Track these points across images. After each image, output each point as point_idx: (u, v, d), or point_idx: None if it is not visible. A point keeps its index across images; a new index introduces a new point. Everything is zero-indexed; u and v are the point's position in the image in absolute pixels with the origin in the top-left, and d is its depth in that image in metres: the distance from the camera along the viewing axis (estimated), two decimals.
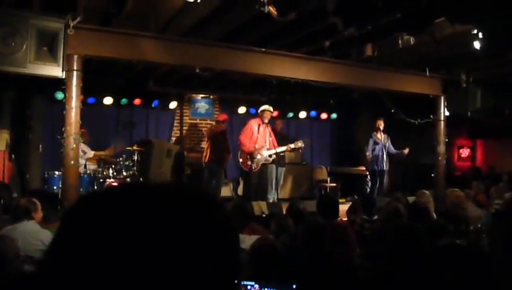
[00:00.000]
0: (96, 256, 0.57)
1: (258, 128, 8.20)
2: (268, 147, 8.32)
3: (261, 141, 8.28)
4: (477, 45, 5.68)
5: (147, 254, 0.57)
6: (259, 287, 2.52)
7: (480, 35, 5.41)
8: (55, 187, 7.33)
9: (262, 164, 8.49)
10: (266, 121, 8.33)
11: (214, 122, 10.36)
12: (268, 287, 2.52)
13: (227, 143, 9.00)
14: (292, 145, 8.73)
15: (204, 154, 8.80)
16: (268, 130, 8.38)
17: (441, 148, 8.55)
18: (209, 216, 0.63)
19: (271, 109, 8.38)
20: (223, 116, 9.25)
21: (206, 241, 0.60)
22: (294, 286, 2.47)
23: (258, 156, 8.25)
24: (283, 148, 8.70)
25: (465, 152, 12.85)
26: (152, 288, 0.56)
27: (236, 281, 0.65)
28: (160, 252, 0.57)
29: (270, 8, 4.51)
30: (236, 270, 0.65)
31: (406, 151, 9.34)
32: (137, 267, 0.56)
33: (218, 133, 8.86)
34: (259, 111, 8.51)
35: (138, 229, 0.57)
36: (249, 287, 2.52)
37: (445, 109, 8.54)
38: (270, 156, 8.36)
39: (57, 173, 7.28)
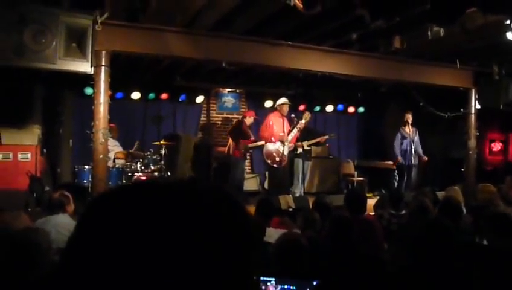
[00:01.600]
0: (107, 255, 0.57)
1: (280, 122, 8.32)
2: (287, 137, 8.40)
3: (280, 131, 8.35)
4: (510, 35, 5.51)
5: (159, 253, 0.56)
6: (279, 282, 2.51)
7: None
8: (85, 181, 7.49)
9: (290, 157, 8.53)
10: (285, 114, 8.40)
11: (240, 117, 10.41)
12: (287, 283, 2.51)
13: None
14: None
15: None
16: (286, 122, 8.47)
17: (472, 142, 8.35)
18: (223, 215, 0.63)
19: (288, 101, 8.46)
20: (249, 113, 9.27)
21: (219, 239, 0.60)
22: (314, 283, 2.45)
23: (282, 149, 8.29)
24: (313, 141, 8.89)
25: (496, 146, 12.51)
26: (164, 287, 0.56)
27: (254, 278, 0.65)
28: (172, 252, 0.57)
29: (296, 1, 4.47)
30: (253, 267, 0.64)
31: (426, 159, 9.22)
32: (148, 267, 0.56)
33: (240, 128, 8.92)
34: (277, 105, 8.53)
35: (149, 229, 0.57)
36: (268, 283, 2.51)
37: (476, 102, 8.32)
38: (292, 142, 8.47)
39: (86, 167, 7.43)
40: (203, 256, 0.58)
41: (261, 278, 2.48)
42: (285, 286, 2.50)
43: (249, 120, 8.91)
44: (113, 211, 0.61)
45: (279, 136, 8.26)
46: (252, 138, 8.98)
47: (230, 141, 8.84)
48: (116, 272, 0.56)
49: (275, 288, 2.50)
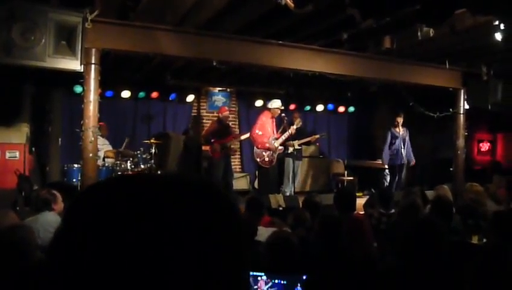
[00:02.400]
0: (94, 249, 0.56)
1: (270, 123, 8.41)
2: (275, 136, 8.48)
3: (270, 132, 8.45)
4: (498, 36, 5.56)
5: (147, 247, 0.55)
6: (269, 278, 2.53)
7: (502, 26, 5.29)
8: (74, 179, 7.44)
9: (279, 157, 8.59)
10: (276, 116, 8.51)
11: (230, 116, 10.42)
12: (278, 278, 2.53)
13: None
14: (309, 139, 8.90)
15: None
16: (274, 124, 8.64)
17: (460, 142, 8.42)
18: (212, 207, 0.62)
19: (281, 106, 8.63)
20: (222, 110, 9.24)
21: (208, 232, 0.59)
22: (304, 277, 2.47)
23: (272, 148, 8.39)
24: (303, 140, 8.98)
25: (485, 146, 12.65)
26: (154, 285, 0.55)
27: (244, 273, 0.64)
28: (161, 246, 0.56)
29: (287, 0, 4.48)
30: (243, 262, 0.63)
31: (413, 163, 9.27)
32: (136, 262, 0.55)
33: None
34: (271, 107, 8.57)
35: (135, 222, 0.56)
36: (258, 278, 2.52)
37: (465, 102, 8.40)
38: (281, 144, 8.57)
39: (76, 165, 7.38)
40: (193, 248, 0.57)
41: (252, 273, 2.49)
42: (276, 281, 2.51)
43: (225, 117, 8.89)
44: (101, 203, 0.60)
45: (269, 145, 8.36)
46: (233, 134, 9.05)
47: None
48: (103, 266, 0.55)
49: (266, 283, 2.52)
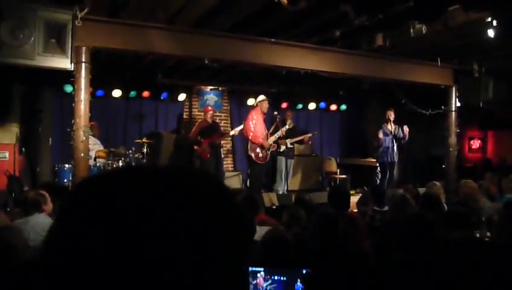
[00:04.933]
0: (91, 243, 0.53)
1: (261, 119, 8.39)
2: (267, 133, 8.51)
3: (262, 130, 8.44)
4: (491, 33, 5.58)
5: (148, 237, 0.53)
6: (268, 274, 2.50)
7: (495, 23, 5.30)
8: (65, 180, 7.36)
9: (272, 155, 8.60)
10: (265, 110, 8.48)
11: (222, 114, 10.38)
12: (277, 273, 2.50)
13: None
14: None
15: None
16: (264, 118, 8.64)
17: (452, 139, 8.45)
18: (215, 198, 0.60)
19: (267, 98, 8.59)
20: (206, 109, 9.24)
21: (209, 224, 0.57)
22: (304, 271, 2.44)
23: (266, 145, 8.39)
24: (296, 139, 8.99)
25: (476, 143, 12.73)
26: (154, 276, 0.52)
27: (246, 268, 0.62)
28: (164, 236, 0.53)
29: None
30: (245, 255, 0.61)
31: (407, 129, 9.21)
32: (138, 253, 0.53)
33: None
34: (257, 102, 8.58)
35: (139, 212, 0.54)
36: (257, 274, 2.50)
37: (457, 99, 8.43)
38: (274, 142, 8.57)
39: (67, 165, 7.31)
40: (194, 240, 0.55)
41: (251, 268, 2.46)
42: (276, 278, 2.49)
43: (209, 115, 8.89)
44: (98, 194, 0.57)
45: (261, 141, 8.35)
46: (219, 132, 9.03)
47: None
48: (101, 259, 0.52)
49: (265, 280, 2.49)
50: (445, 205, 5.70)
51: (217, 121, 9.75)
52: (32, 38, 5.00)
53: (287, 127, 8.73)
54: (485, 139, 12.72)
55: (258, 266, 2.52)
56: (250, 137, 8.33)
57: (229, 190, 0.64)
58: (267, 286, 2.49)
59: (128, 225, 0.53)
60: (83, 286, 0.53)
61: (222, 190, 0.63)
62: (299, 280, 2.46)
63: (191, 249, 0.54)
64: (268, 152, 8.51)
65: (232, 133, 9.09)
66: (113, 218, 0.54)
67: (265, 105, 8.53)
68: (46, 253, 0.56)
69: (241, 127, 8.72)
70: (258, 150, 8.33)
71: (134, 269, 0.52)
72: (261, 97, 8.58)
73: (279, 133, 8.66)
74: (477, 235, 4.41)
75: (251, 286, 2.49)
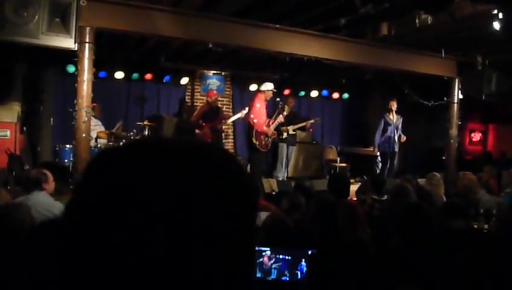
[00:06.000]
0: (111, 212, 0.55)
1: (264, 106, 8.42)
2: (269, 121, 8.51)
3: (264, 118, 8.45)
4: (496, 25, 5.55)
5: (165, 209, 0.55)
6: (273, 253, 2.54)
7: (501, 15, 5.28)
8: (66, 160, 7.37)
9: (274, 142, 8.62)
10: (268, 99, 8.49)
11: (224, 99, 10.37)
12: (282, 253, 2.54)
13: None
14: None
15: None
16: (266, 105, 8.65)
17: (453, 131, 8.46)
18: (232, 173, 0.61)
19: (274, 88, 8.58)
20: (211, 94, 9.22)
21: (228, 197, 0.58)
22: (309, 251, 2.48)
23: (268, 133, 8.42)
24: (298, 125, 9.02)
25: (476, 136, 12.73)
26: (168, 248, 0.54)
27: (254, 246, 0.64)
28: (180, 209, 0.55)
29: None
30: (255, 232, 0.63)
31: (404, 138, 9.26)
32: (154, 224, 0.54)
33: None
34: (266, 89, 8.52)
35: (156, 184, 0.56)
36: (263, 253, 2.53)
37: (459, 91, 8.42)
38: (276, 129, 8.59)
39: (68, 146, 7.31)
40: (210, 214, 0.56)
41: (257, 248, 2.50)
42: (281, 257, 2.53)
43: (213, 100, 8.89)
44: (120, 164, 0.59)
45: (266, 129, 8.37)
46: (223, 117, 9.06)
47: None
48: (121, 226, 0.54)
49: (270, 259, 2.53)
50: (444, 196, 5.74)
51: (219, 105, 9.74)
52: (37, 17, 5.00)
53: (284, 113, 8.70)
54: (486, 132, 12.72)
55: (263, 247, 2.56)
56: (254, 125, 8.33)
57: (240, 162, 0.65)
58: (272, 264, 2.53)
59: (139, 199, 0.55)
60: (97, 254, 0.54)
61: (233, 161, 0.64)
62: (303, 260, 2.49)
63: (202, 221, 0.56)
64: (270, 139, 8.53)
65: (238, 116, 9.03)
66: (125, 191, 0.56)
67: (270, 94, 8.54)
68: (66, 219, 0.58)
69: (241, 114, 8.72)
70: (262, 137, 8.35)
71: (144, 240, 0.53)
72: (270, 86, 8.53)
73: (278, 120, 8.66)
74: (475, 226, 4.45)
75: (257, 265, 2.52)
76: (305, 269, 2.49)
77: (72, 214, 0.59)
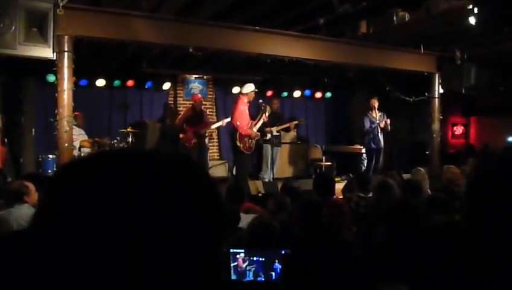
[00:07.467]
0: (77, 222, 0.55)
1: (247, 108, 8.40)
2: (252, 122, 8.50)
3: (248, 119, 8.45)
4: (472, 20, 5.63)
5: (129, 217, 0.55)
6: (247, 255, 2.55)
7: (476, 10, 5.36)
8: (49, 170, 7.30)
9: (258, 143, 8.62)
10: (251, 100, 8.48)
11: (207, 103, 10.35)
12: (256, 254, 2.55)
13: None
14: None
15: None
16: (249, 107, 8.62)
17: (436, 125, 8.56)
18: (190, 178, 0.62)
19: (255, 88, 8.55)
20: (196, 97, 9.21)
21: (187, 201, 0.59)
22: (282, 252, 2.49)
23: (252, 135, 8.41)
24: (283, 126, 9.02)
25: (458, 129, 12.88)
26: (133, 253, 0.54)
27: (222, 248, 0.64)
28: (144, 217, 0.55)
29: None
30: (222, 238, 0.63)
31: (388, 121, 9.33)
32: (121, 232, 0.54)
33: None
34: (248, 91, 8.47)
35: (121, 193, 0.56)
36: (237, 255, 2.54)
37: (440, 86, 8.52)
38: (259, 130, 8.60)
39: (51, 156, 7.25)
40: (172, 223, 0.57)
41: (231, 250, 2.50)
42: (255, 258, 2.54)
43: (198, 104, 8.88)
44: (83, 177, 0.59)
45: (250, 131, 8.38)
46: (206, 121, 9.04)
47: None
48: (85, 238, 0.54)
49: (244, 261, 2.54)
50: (428, 190, 5.79)
51: (203, 109, 9.72)
52: (13, 28, 4.93)
53: (267, 114, 8.71)
54: (468, 126, 12.87)
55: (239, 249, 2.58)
56: (238, 128, 8.32)
57: (203, 170, 0.66)
58: (246, 266, 2.55)
59: (106, 205, 0.55)
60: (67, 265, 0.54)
61: (198, 171, 0.64)
62: (277, 261, 2.51)
63: (167, 230, 0.56)
64: (254, 141, 8.52)
65: (219, 124, 9.05)
66: (92, 203, 0.56)
67: (253, 95, 8.53)
68: (32, 235, 0.58)
69: (222, 123, 8.77)
70: (245, 139, 8.34)
71: (113, 251, 0.54)
72: (251, 87, 8.49)
73: (261, 121, 8.66)
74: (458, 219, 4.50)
75: (232, 268, 2.54)
76: (278, 269, 2.51)
77: (35, 227, 0.59)
